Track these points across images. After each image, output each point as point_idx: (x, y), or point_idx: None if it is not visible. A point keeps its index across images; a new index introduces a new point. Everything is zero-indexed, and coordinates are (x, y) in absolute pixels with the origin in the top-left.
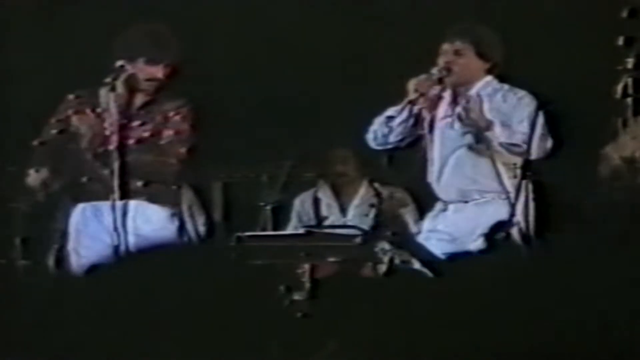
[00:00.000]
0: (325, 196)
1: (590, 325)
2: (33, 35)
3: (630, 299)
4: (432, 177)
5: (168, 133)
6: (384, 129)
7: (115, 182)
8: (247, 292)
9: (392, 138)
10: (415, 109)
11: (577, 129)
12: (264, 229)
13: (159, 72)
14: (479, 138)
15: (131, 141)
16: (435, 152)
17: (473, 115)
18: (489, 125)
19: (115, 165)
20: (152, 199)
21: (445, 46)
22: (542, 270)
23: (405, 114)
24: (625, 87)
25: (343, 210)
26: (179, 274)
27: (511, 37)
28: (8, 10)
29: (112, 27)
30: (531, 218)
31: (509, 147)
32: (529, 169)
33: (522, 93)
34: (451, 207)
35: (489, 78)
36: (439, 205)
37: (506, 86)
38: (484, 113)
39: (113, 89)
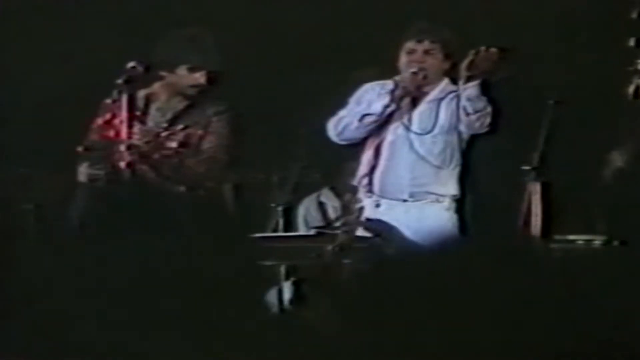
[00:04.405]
0: (329, 199)
1: (591, 325)
2: (43, 36)
3: (633, 299)
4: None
5: (210, 138)
6: (355, 125)
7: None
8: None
9: (359, 135)
10: (392, 108)
11: (588, 130)
12: (275, 230)
13: (202, 78)
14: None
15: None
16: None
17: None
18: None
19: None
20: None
21: (411, 44)
22: (550, 270)
23: (382, 111)
24: (636, 89)
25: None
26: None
27: (522, 38)
28: (31, 12)
29: (131, 30)
30: (538, 219)
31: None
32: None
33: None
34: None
35: (446, 80)
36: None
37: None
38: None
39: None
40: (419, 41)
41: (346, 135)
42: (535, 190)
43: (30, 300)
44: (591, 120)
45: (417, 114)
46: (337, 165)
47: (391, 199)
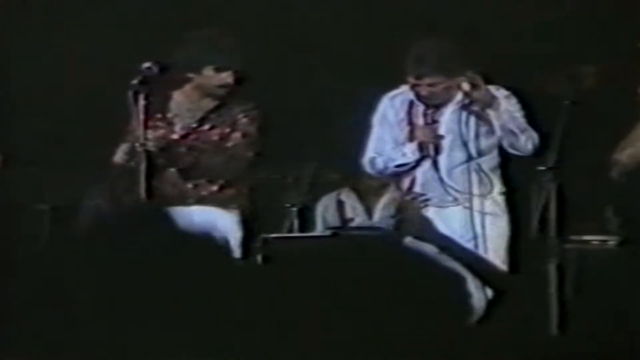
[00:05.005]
0: (349, 199)
1: (606, 325)
2: (58, 37)
3: None
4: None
5: (236, 136)
6: (391, 170)
7: (142, 183)
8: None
9: (397, 172)
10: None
11: (601, 130)
12: (290, 231)
13: (229, 78)
14: None
15: (201, 144)
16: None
17: (477, 93)
18: (494, 101)
19: (142, 166)
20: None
21: (413, 80)
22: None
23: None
24: None
25: (369, 213)
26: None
27: (536, 40)
28: (46, 11)
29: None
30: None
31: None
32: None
33: (503, 91)
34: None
35: (465, 87)
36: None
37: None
38: (488, 89)
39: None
40: (418, 77)
41: (385, 175)
42: (550, 191)
43: (34, 300)
44: (604, 120)
45: (444, 129)
46: (355, 166)
47: (438, 206)
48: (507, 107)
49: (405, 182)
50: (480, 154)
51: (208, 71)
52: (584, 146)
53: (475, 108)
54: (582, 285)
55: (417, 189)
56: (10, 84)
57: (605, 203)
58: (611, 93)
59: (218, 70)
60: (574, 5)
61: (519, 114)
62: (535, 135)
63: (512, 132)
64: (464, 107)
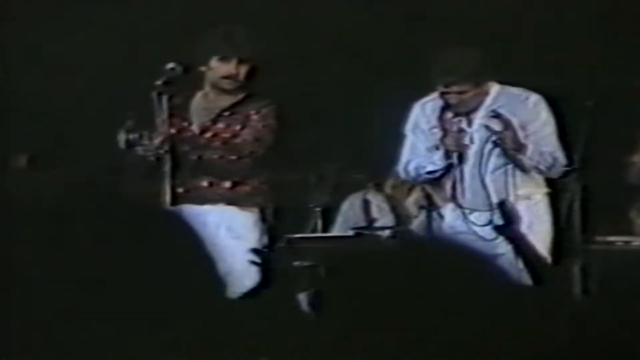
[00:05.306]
0: (376, 199)
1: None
2: (79, 38)
3: None
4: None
5: (245, 133)
6: (424, 176)
7: (167, 184)
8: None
9: (430, 177)
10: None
11: (626, 131)
12: (313, 231)
13: (233, 68)
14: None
15: (215, 143)
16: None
17: (508, 141)
18: (522, 147)
19: (167, 167)
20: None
21: (442, 88)
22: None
23: (443, 165)
24: None
25: (395, 213)
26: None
27: (558, 39)
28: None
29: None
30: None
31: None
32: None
33: (534, 97)
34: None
35: (495, 89)
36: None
37: (512, 90)
38: (518, 137)
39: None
40: (447, 86)
41: (419, 181)
42: (575, 192)
43: (34, 300)
44: (632, 121)
45: (475, 137)
46: (379, 166)
47: (482, 210)
48: (536, 143)
49: (447, 188)
50: None
51: (215, 63)
52: (609, 147)
53: (499, 143)
54: (607, 285)
55: (458, 194)
56: (36, 85)
57: (630, 204)
58: (636, 93)
59: (223, 59)
60: (597, 10)
61: (547, 153)
62: (562, 168)
63: (540, 170)
64: (493, 142)
